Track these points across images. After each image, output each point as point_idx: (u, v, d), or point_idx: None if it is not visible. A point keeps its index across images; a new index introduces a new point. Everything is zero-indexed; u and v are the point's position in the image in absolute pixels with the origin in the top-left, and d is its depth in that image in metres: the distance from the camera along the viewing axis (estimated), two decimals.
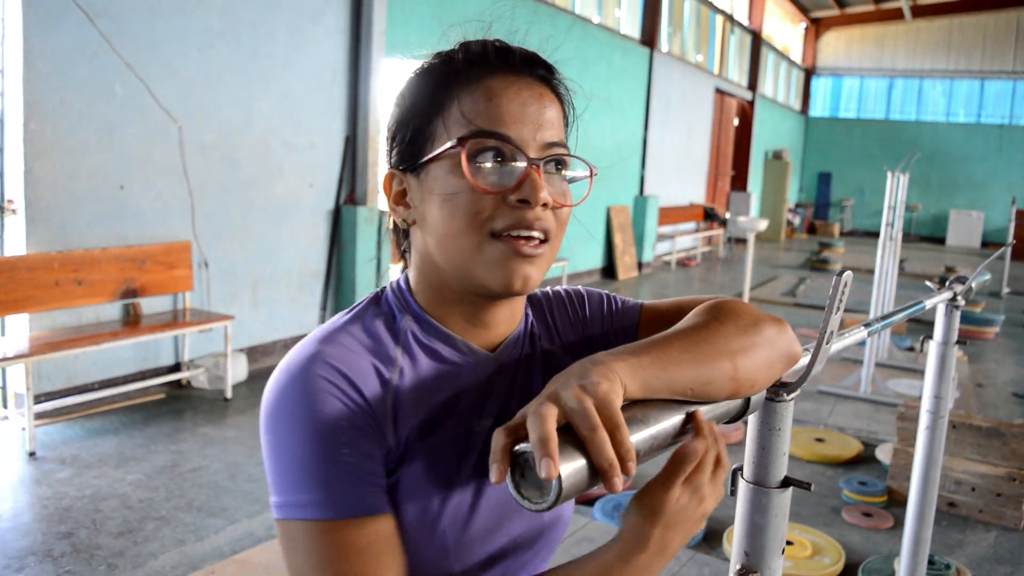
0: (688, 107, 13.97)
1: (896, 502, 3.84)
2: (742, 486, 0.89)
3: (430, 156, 0.78)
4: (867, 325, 1.16)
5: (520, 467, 0.62)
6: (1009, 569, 3.34)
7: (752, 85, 17.91)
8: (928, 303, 1.65)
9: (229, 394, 4.92)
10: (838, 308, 0.83)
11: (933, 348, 1.99)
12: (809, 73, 23.15)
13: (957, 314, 1.97)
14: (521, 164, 0.76)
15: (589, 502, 3.62)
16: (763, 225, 7.96)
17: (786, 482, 0.87)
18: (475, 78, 0.78)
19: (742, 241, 16.02)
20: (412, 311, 0.82)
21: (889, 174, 6.08)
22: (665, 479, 0.72)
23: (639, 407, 0.69)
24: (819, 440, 4.58)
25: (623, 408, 0.66)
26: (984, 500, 3.74)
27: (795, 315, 8.81)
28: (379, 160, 6.23)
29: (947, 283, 1.90)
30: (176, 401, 4.85)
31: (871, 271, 6.75)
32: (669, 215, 13.03)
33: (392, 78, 6.35)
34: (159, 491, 3.60)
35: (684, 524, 0.74)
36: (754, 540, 0.87)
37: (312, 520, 0.70)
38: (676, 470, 0.72)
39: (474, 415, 0.82)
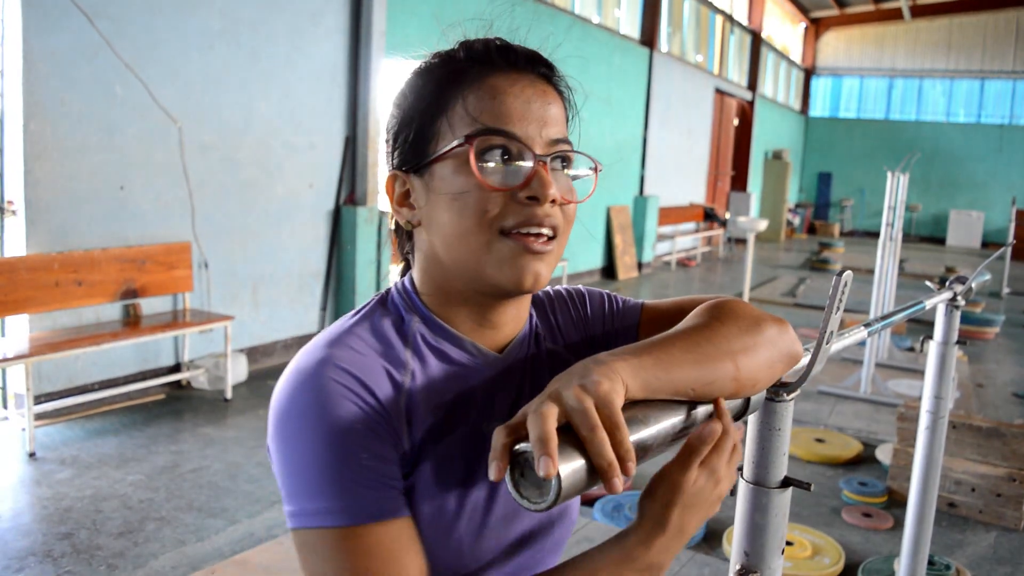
0: (688, 107, 13.97)
1: (896, 502, 3.84)
2: (742, 486, 0.89)
3: (435, 156, 0.77)
4: (867, 325, 1.16)
5: (520, 466, 0.62)
6: (1009, 569, 3.34)
7: (752, 85, 17.91)
8: (928, 303, 1.65)
9: (229, 394, 4.92)
10: (838, 308, 0.83)
11: (933, 348, 2.00)
12: (809, 73, 23.15)
13: (957, 314, 1.97)
14: (528, 161, 0.76)
15: (589, 502, 3.62)
16: (763, 225, 7.96)
17: (786, 482, 0.87)
18: (479, 76, 0.77)
19: (742, 241, 16.02)
20: (420, 312, 0.82)
21: (889, 174, 6.08)
22: (682, 462, 0.73)
23: (640, 407, 0.69)
24: (819, 440, 4.58)
25: (624, 408, 0.66)
26: (984, 500, 3.74)
27: (795, 315, 8.81)
28: (379, 161, 6.24)
29: (947, 283, 1.90)
30: (176, 402, 4.85)
31: (871, 271, 6.75)
32: (669, 215, 13.03)
33: (392, 78, 6.35)
34: (159, 492, 3.60)
35: (701, 506, 0.74)
36: (754, 540, 0.87)
37: (332, 528, 0.69)
38: (693, 452, 0.73)
39: (483, 417, 0.81)
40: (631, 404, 0.68)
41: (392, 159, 0.83)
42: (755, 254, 13.98)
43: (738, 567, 0.88)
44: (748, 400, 0.82)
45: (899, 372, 6.44)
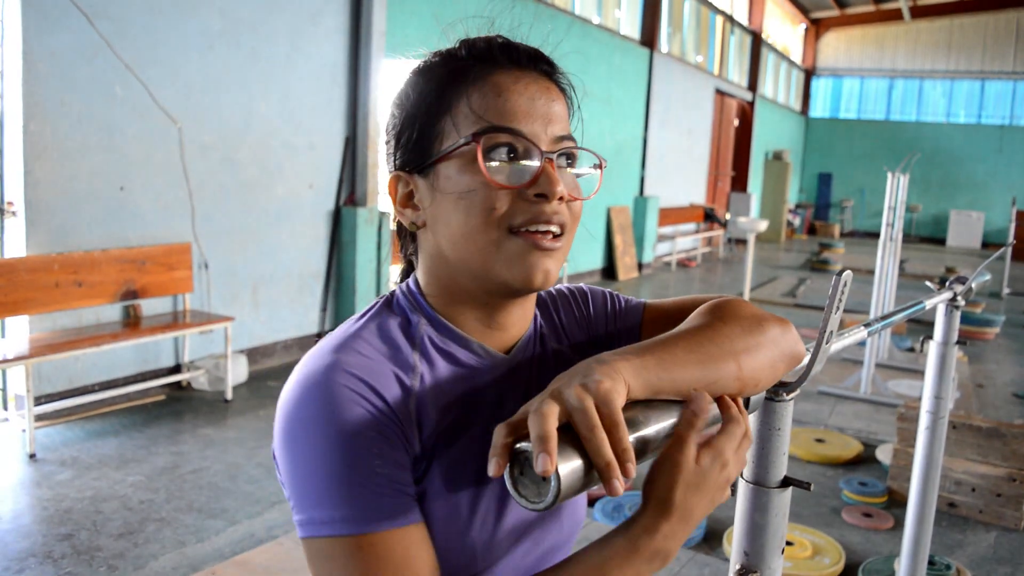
0: (688, 108, 13.97)
1: (896, 502, 3.84)
2: (742, 486, 0.89)
3: (440, 155, 0.77)
4: (867, 325, 1.16)
5: (520, 464, 0.62)
6: (1009, 569, 3.34)
7: (752, 86, 17.92)
8: (928, 303, 1.65)
9: (229, 395, 4.92)
10: (838, 308, 0.83)
11: (933, 348, 1.99)
12: (809, 74, 23.15)
13: (957, 314, 1.97)
14: (535, 159, 0.75)
15: (590, 503, 3.62)
16: (763, 226, 7.96)
17: (786, 482, 0.88)
18: (482, 74, 0.77)
19: (742, 242, 16.02)
20: (426, 314, 0.81)
21: (889, 175, 6.08)
22: (678, 440, 0.70)
23: (641, 407, 0.69)
24: (819, 440, 4.58)
25: (625, 408, 0.66)
26: (984, 500, 3.74)
27: (795, 315, 8.81)
28: (379, 161, 6.24)
29: (947, 283, 1.90)
30: (176, 402, 4.85)
31: (871, 272, 6.75)
32: (669, 216, 13.04)
33: (392, 79, 6.35)
34: (159, 492, 3.60)
35: (706, 488, 0.70)
36: (754, 540, 0.87)
37: (344, 536, 0.68)
38: (688, 427, 0.70)
39: (493, 418, 0.81)
40: (632, 404, 0.68)
41: (394, 160, 0.82)
42: (755, 255, 13.98)
43: (738, 567, 0.88)
44: (748, 400, 0.82)
45: (899, 372, 6.43)
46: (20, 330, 4.32)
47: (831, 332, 0.85)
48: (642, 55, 11.79)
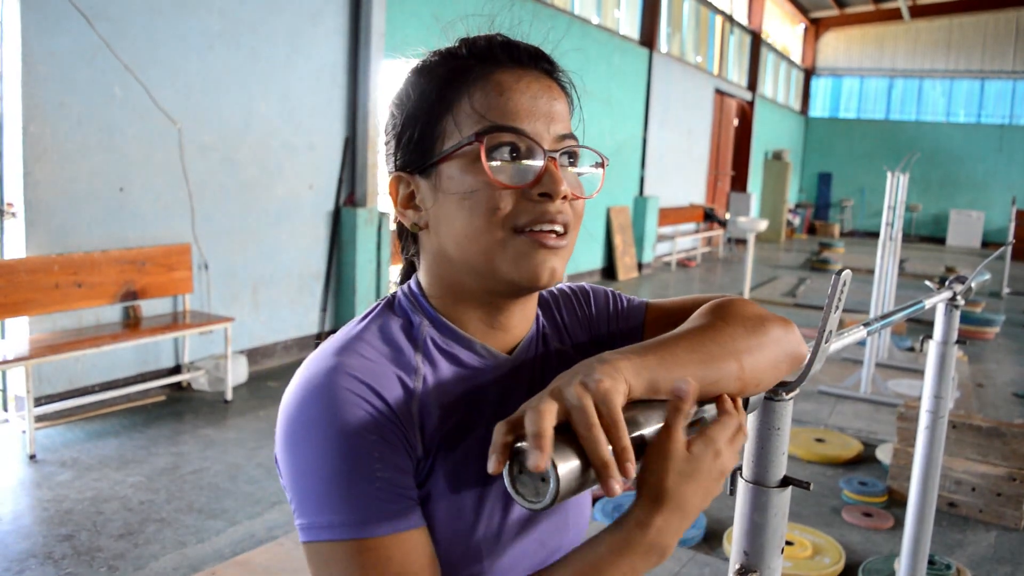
0: (688, 108, 13.97)
1: (896, 502, 3.84)
2: (741, 485, 0.89)
3: (442, 155, 0.76)
4: (866, 324, 1.16)
5: (519, 463, 0.62)
6: (1009, 569, 3.34)
7: (752, 85, 17.92)
8: (928, 303, 1.65)
9: (229, 396, 4.92)
10: (837, 307, 0.83)
11: (933, 348, 2.00)
12: (809, 73, 23.16)
13: (957, 314, 1.97)
14: (538, 158, 0.75)
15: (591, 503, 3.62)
16: (763, 226, 7.96)
17: (785, 481, 0.88)
18: (484, 73, 0.77)
19: (742, 242, 16.02)
20: (429, 316, 0.81)
21: (889, 174, 6.08)
22: (666, 427, 0.68)
23: (641, 407, 0.69)
24: (819, 440, 4.58)
25: (626, 408, 0.66)
26: (984, 500, 3.74)
27: (795, 315, 8.80)
28: (379, 162, 6.23)
29: (947, 283, 1.90)
30: (176, 403, 4.85)
31: (871, 271, 6.75)
32: (669, 216, 13.04)
33: (392, 79, 6.34)
34: (160, 493, 3.60)
35: (700, 477, 0.68)
36: (753, 540, 0.87)
37: (345, 541, 0.68)
38: (670, 415, 0.68)
39: (496, 419, 0.81)
40: (633, 404, 0.68)
41: (394, 160, 0.82)
42: (755, 254, 13.98)
43: (737, 566, 0.88)
44: (747, 399, 0.82)
45: (899, 372, 6.44)
46: (20, 331, 4.32)
47: (830, 331, 0.86)
48: (642, 55, 11.80)
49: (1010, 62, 20.76)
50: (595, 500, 3.64)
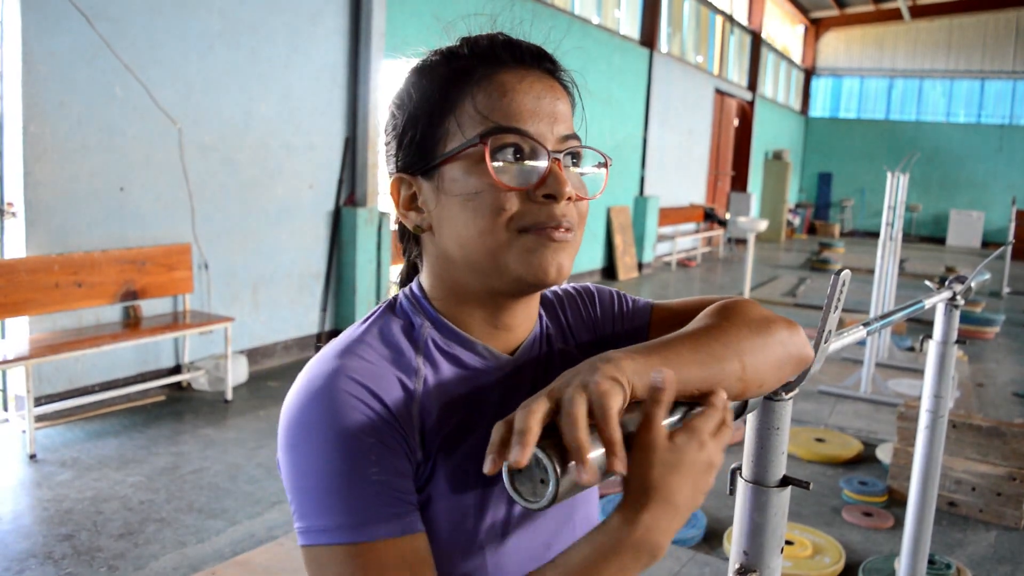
0: (688, 108, 13.97)
1: (896, 502, 3.84)
2: (741, 485, 0.89)
3: (445, 156, 0.76)
4: (866, 324, 1.16)
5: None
6: (1009, 569, 3.34)
7: (752, 85, 17.92)
8: (927, 303, 1.65)
9: (229, 396, 4.93)
10: (836, 307, 0.84)
11: (933, 348, 2.00)
12: (809, 73, 23.16)
13: (956, 313, 1.97)
14: (542, 159, 0.75)
15: None
16: (763, 225, 7.96)
17: (785, 481, 0.88)
18: (486, 73, 0.76)
19: (742, 242, 16.03)
20: (430, 317, 0.81)
21: (889, 174, 6.08)
22: (644, 418, 0.65)
23: (641, 409, 0.69)
24: (819, 440, 4.58)
25: (629, 408, 0.66)
26: (984, 500, 3.74)
27: (795, 315, 8.81)
28: (379, 162, 6.23)
29: (947, 283, 1.90)
30: (176, 403, 4.85)
31: (871, 271, 6.75)
32: (669, 216, 13.04)
33: (392, 79, 6.33)
34: (160, 493, 3.60)
35: (686, 468, 0.65)
36: (753, 539, 0.87)
37: (342, 544, 0.67)
38: (650, 406, 0.65)
39: (497, 420, 0.81)
40: (634, 404, 0.68)
41: (395, 161, 0.81)
42: (755, 254, 13.98)
43: (737, 566, 0.88)
44: (747, 399, 0.82)
45: (899, 372, 6.44)
46: (20, 331, 4.32)
47: (830, 331, 0.86)
48: (642, 55, 11.80)
49: (1010, 62, 20.76)
50: (602, 497, 3.63)
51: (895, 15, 21.07)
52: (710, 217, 14.85)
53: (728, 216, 15.76)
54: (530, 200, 0.74)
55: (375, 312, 0.82)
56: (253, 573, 2.88)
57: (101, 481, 3.69)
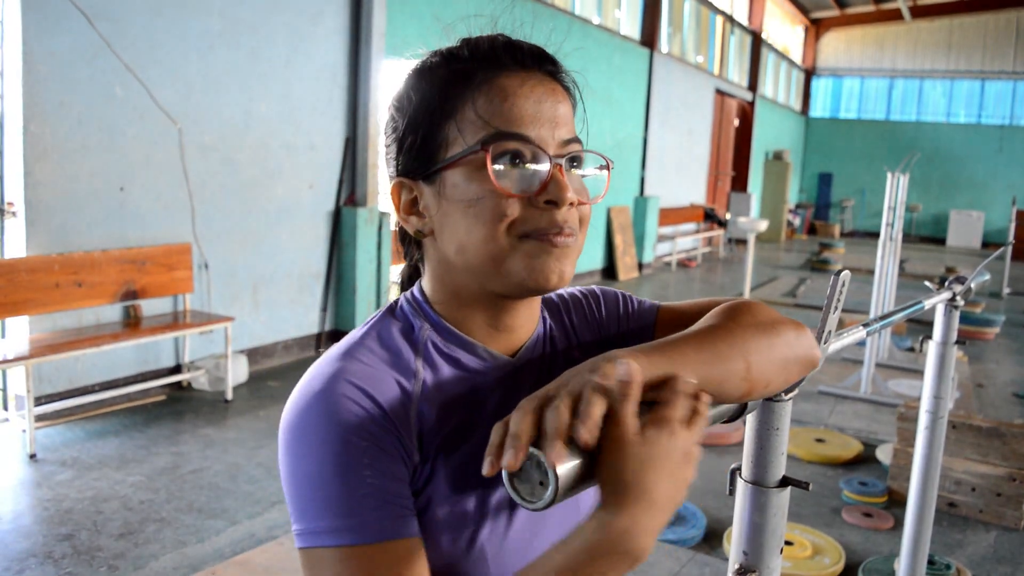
0: (688, 108, 13.98)
1: (896, 502, 3.84)
2: (740, 485, 0.89)
3: (446, 162, 0.75)
4: (866, 325, 1.16)
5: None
6: (1009, 569, 3.34)
7: (752, 86, 17.92)
8: (927, 303, 1.65)
9: (230, 395, 4.93)
10: (836, 308, 0.84)
11: (932, 348, 2.00)
12: (809, 74, 23.16)
13: (956, 314, 1.97)
14: (544, 164, 0.74)
15: None
16: (763, 226, 7.96)
17: (784, 482, 0.88)
18: (487, 77, 0.75)
19: (742, 242, 16.03)
20: (430, 320, 0.81)
21: (889, 175, 6.08)
22: (613, 414, 0.62)
23: (652, 403, 0.69)
24: (819, 440, 4.58)
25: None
26: (984, 500, 3.74)
27: (795, 315, 8.73)
28: (379, 162, 6.24)
29: (946, 283, 1.90)
30: (177, 403, 4.85)
31: (871, 272, 6.75)
32: (669, 216, 13.04)
33: (392, 79, 6.34)
34: (160, 493, 3.60)
35: (659, 461, 0.62)
36: (753, 539, 0.88)
37: (336, 547, 0.67)
38: (618, 401, 0.62)
39: (498, 422, 0.81)
40: (643, 405, 0.68)
41: (396, 165, 0.81)
42: (755, 255, 13.98)
43: (737, 566, 0.88)
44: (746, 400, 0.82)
45: (899, 372, 6.44)
46: (20, 330, 4.32)
47: (829, 332, 0.86)
48: (642, 55, 11.80)
49: (1010, 62, 20.76)
50: None
51: (895, 15, 21.07)
52: (710, 217, 14.86)
53: (728, 216, 15.77)
54: (532, 206, 0.74)
55: (376, 315, 0.82)
56: (253, 573, 2.88)
57: (101, 481, 3.69)
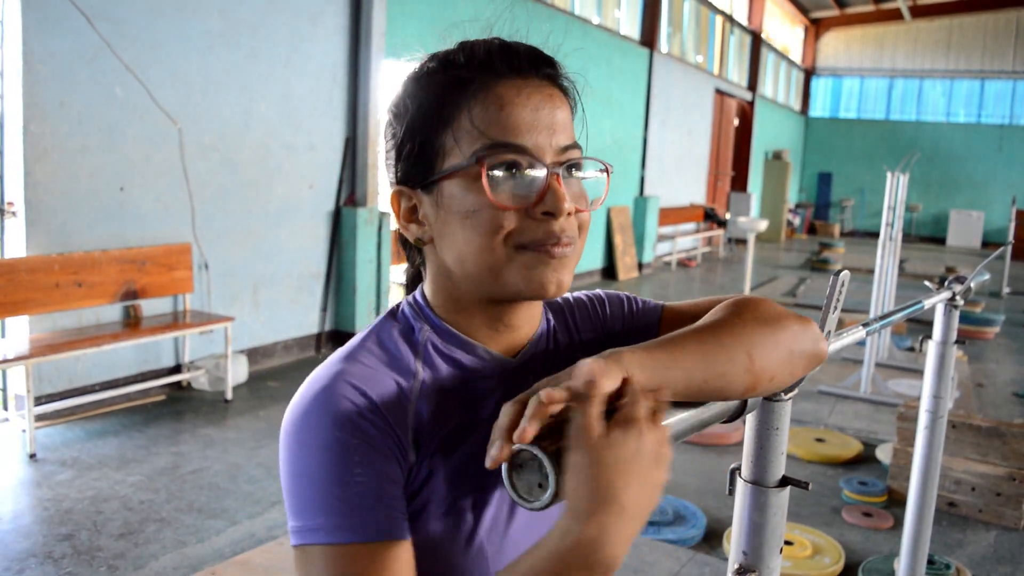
0: (688, 108, 13.97)
1: (896, 502, 3.84)
2: (740, 485, 0.89)
3: (443, 174, 0.75)
4: (866, 325, 1.16)
5: (519, 464, 0.62)
6: (1009, 569, 3.34)
7: (752, 85, 17.92)
8: (927, 303, 1.66)
9: (229, 395, 4.93)
10: (835, 307, 0.84)
11: (932, 348, 2.00)
12: (809, 73, 23.15)
13: (956, 314, 1.97)
14: (541, 173, 0.74)
15: None
16: (763, 225, 7.96)
17: (784, 481, 0.88)
18: (483, 86, 0.75)
19: (742, 242, 16.02)
20: (430, 322, 0.81)
21: (889, 174, 6.08)
22: (575, 418, 0.60)
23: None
24: (819, 440, 4.59)
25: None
26: (984, 500, 3.74)
27: None
28: (379, 162, 6.22)
29: (946, 283, 1.90)
30: (176, 403, 4.85)
31: (871, 271, 6.75)
32: (669, 216, 13.04)
33: (392, 79, 6.35)
34: (160, 493, 3.60)
35: (629, 464, 0.59)
36: (752, 539, 0.88)
37: (324, 544, 0.68)
38: (580, 403, 0.61)
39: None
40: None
41: (395, 172, 0.81)
42: (755, 254, 13.97)
43: (736, 566, 0.89)
44: (746, 399, 0.82)
45: (899, 372, 6.44)
46: (20, 330, 4.32)
47: (829, 332, 0.86)
48: (642, 55, 11.80)
49: (1010, 62, 20.75)
50: None
51: (895, 15, 21.06)
52: (710, 217, 14.86)
53: (728, 216, 15.77)
54: (529, 217, 0.74)
55: (379, 319, 0.83)
56: (253, 573, 2.88)
57: (101, 481, 3.69)
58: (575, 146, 0.78)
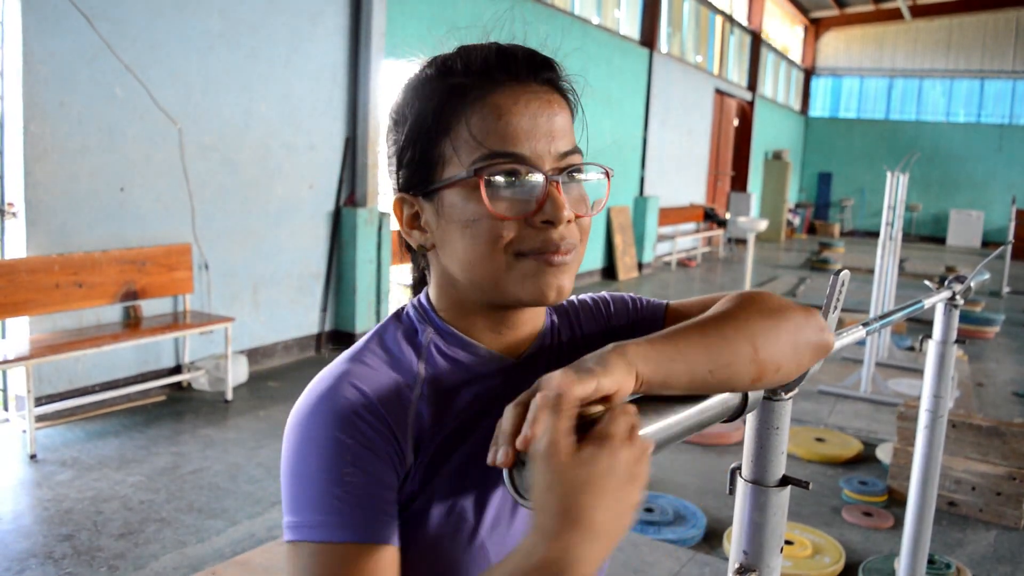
0: (688, 108, 13.97)
1: (896, 501, 3.84)
2: (740, 485, 0.89)
3: (442, 184, 0.75)
4: (866, 324, 1.16)
5: (520, 462, 0.62)
6: (1009, 568, 3.34)
7: (752, 85, 17.92)
8: (927, 302, 1.65)
9: (230, 396, 4.93)
10: (836, 307, 0.84)
11: (932, 347, 2.00)
12: (809, 73, 23.15)
13: (956, 313, 1.97)
14: (539, 181, 0.74)
15: None
16: (763, 225, 7.96)
17: (784, 481, 0.88)
18: (481, 94, 0.75)
19: (742, 241, 16.03)
20: (433, 323, 0.81)
21: (889, 174, 6.08)
22: (544, 433, 0.57)
23: (653, 402, 0.69)
24: (819, 440, 4.59)
25: (640, 400, 0.66)
26: (984, 499, 3.74)
27: None
28: (379, 162, 6.22)
29: (946, 282, 1.90)
30: (177, 403, 4.85)
31: (871, 271, 6.75)
32: (669, 215, 13.04)
33: (392, 79, 6.35)
34: (160, 493, 3.60)
35: (599, 484, 0.56)
36: (753, 539, 0.88)
37: (311, 542, 0.68)
38: (550, 418, 0.57)
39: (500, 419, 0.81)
40: (648, 398, 0.68)
41: (397, 179, 0.81)
42: (755, 254, 13.98)
43: (737, 566, 0.89)
44: (746, 398, 0.82)
45: (899, 371, 6.44)
46: (20, 331, 4.32)
47: None
48: (642, 55, 11.80)
49: (1010, 62, 20.75)
50: None
51: (895, 15, 21.07)
52: (710, 217, 14.86)
53: (728, 216, 15.77)
54: (529, 225, 0.74)
55: (383, 321, 0.84)
56: (253, 573, 2.88)
57: (101, 481, 3.69)
58: (575, 151, 0.78)
